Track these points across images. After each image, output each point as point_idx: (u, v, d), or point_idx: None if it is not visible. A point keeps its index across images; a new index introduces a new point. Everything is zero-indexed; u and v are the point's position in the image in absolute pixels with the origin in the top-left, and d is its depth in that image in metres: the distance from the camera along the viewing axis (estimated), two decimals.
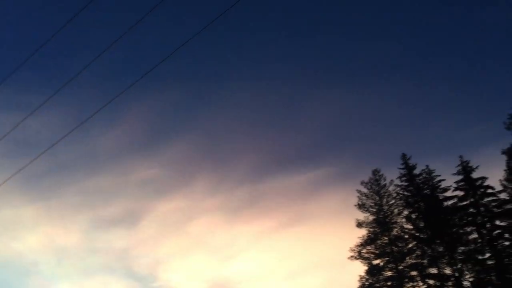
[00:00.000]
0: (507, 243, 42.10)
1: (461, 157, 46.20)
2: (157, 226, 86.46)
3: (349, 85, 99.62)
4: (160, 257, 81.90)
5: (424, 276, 45.40)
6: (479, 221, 43.57)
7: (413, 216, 47.91)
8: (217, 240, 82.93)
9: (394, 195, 50.13)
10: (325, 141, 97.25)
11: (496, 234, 42.49)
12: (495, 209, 43.32)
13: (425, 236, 46.31)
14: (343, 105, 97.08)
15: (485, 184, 44.41)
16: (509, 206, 42.65)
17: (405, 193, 49.16)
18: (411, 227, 47.88)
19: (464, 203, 45.00)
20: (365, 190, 51.43)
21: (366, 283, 47.66)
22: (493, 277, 41.80)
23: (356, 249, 49.03)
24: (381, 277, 47.67)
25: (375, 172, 52.21)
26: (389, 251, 47.70)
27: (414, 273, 46.08)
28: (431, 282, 44.93)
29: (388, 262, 47.66)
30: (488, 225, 43.09)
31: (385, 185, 51.13)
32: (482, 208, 43.82)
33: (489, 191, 44.17)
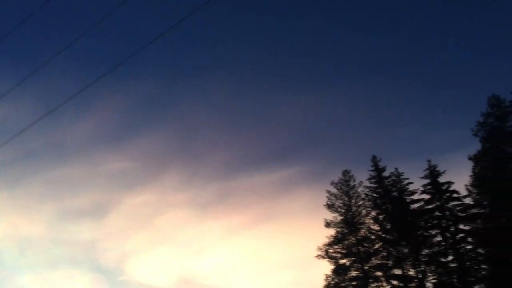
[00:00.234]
0: (469, 246, 43.18)
1: (429, 161, 47.09)
2: (126, 219, 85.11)
3: (323, 86, 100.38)
4: (128, 251, 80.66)
5: (388, 277, 46.15)
6: (444, 225, 44.51)
7: (381, 217, 48.61)
8: (186, 235, 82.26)
9: (363, 196, 50.77)
10: (298, 140, 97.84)
11: (459, 237, 43.49)
12: (459, 213, 44.33)
13: (391, 238, 47.05)
14: (317, 106, 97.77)
15: (451, 188, 45.35)
16: (473, 211, 43.76)
17: (374, 194, 49.79)
18: (378, 228, 48.56)
19: (430, 206, 45.84)
20: (334, 191, 51.91)
21: (332, 282, 48.10)
22: (454, 280, 42.83)
23: (324, 249, 49.44)
24: (346, 277, 48.22)
25: (345, 173, 52.73)
26: (355, 251, 48.27)
27: (379, 273, 46.80)
28: (395, 282, 45.72)
29: (354, 262, 48.23)
30: (452, 229, 44.05)
31: (354, 186, 51.71)
32: (447, 212, 44.75)
33: (455, 195, 45.11)
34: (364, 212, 50.16)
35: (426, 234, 45.55)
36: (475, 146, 45.51)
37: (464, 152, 48.15)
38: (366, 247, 48.37)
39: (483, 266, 41.72)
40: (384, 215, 48.49)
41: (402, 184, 48.90)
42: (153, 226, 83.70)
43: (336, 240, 49.35)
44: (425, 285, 44.14)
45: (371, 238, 48.72)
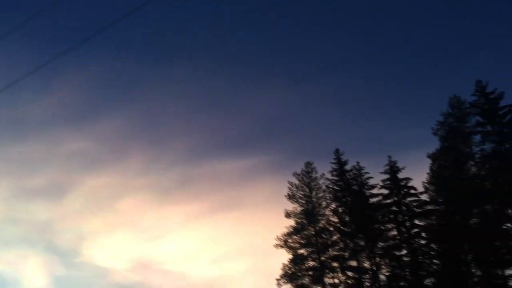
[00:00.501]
0: (422, 241, 44.54)
1: (389, 157, 48.05)
2: (84, 201, 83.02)
3: (292, 79, 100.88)
4: (85, 233, 78.85)
5: (344, 268, 47.08)
6: (400, 219, 45.67)
7: (340, 210, 49.39)
8: (146, 220, 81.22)
9: (324, 188, 51.34)
10: (263, 130, 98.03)
11: (414, 232, 44.77)
12: (415, 209, 45.56)
13: (349, 230, 47.90)
14: (284, 98, 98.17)
15: (409, 184, 46.49)
16: (428, 207, 45.06)
17: (335, 187, 50.47)
18: (337, 220, 49.32)
19: (388, 201, 46.90)
20: (296, 182, 52.21)
21: (289, 272, 48.58)
22: (407, 273, 44.14)
23: (283, 238, 49.78)
24: (303, 267, 48.83)
25: (308, 164, 53.09)
26: (314, 242, 48.86)
27: (335, 264, 47.63)
28: (350, 274, 46.71)
29: (312, 252, 48.84)
30: (407, 224, 45.25)
31: (316, 178, 52.16)
32: (404, 207, 45.90)
33: (412, 191, 46.30)
34: (324, 204, 50.84)
35: (382, 227, 46.67)
36: (435, 145, 46.85)
37: (423, 150, 49.51)
38: (324, 238, 49.06)
39: (435, 261, 43.12)
40: (343, 208, 49.29)
41: (363, 178, 49.82)
42: (112, 209, 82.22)
43: (295, 231, 49.78)
44: (378, 277, 45.35)
45: (330, 230, 49.44)
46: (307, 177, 52.30)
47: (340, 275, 47.05)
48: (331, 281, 47.02)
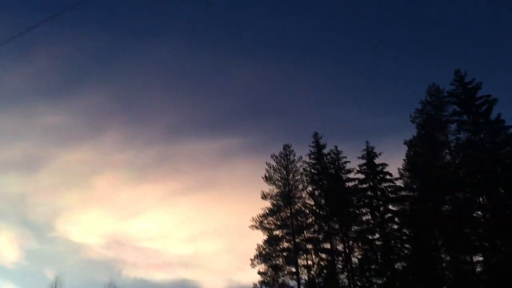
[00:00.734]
0: (395, 226, 45.43)
1: (367, 142, 48.49)
2: (59, 176, 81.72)
3: (274, 62, 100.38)
4: (59, 208, 77.85)
5: (318, 250, 47.77)
6: (375, 204, 46.38)
7: (316, 193, 49.87)
8: (122, 197, 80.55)
9: (301, 171, 51.66)
10: (242, 111, 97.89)
11: (387, 217, 45.55)
12: (390, 195, 46.29)
13: (324, 213, 48.51)
14: (266, 80, 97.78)
15: (385, 170, 47.12)
16: (402, 193, 45.91)
17: (312, 170, 50.84)
18: (312, 203, 49.80)
19: (364, 186, 47.53)
20: (273, 164, 52.33)
21: (263, 252, 49.02)
22: (378, 257, 45.05)
23: (258, 219, 50.06)
24: (278, 248, 49.32)
25: (286, 147, 53.22)
26: (289, 224, 49.30)
27: (309, 246, 48.28)
28: (323, 256, 47.45)
29: (286, 234, 49.32)
30: (381, 208, 46.01)
31: (294, 160, 52.38)
32: (378, 192, 46.56)
33: (387, 177, 46.95)
34: (301, 186, 51.21)
35: (357, 211, 47.38)
36: (412, 132, 47.52)
37: (401, 136, 50.21)
38: (300, 220, 49.55)
39: (406, 246, 44.12)
40: (319, 191, 49.78)
41: (340, 162, 50.35)
42: (88, 185, 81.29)
43: (271, 212, 50.11)
44: (351, 260, 46.20)
45: (305, 212, 49.94)
46: (284, 160, 52.48)
47: (313, 256, 47.76)
48: (304, 262, 47.70)
